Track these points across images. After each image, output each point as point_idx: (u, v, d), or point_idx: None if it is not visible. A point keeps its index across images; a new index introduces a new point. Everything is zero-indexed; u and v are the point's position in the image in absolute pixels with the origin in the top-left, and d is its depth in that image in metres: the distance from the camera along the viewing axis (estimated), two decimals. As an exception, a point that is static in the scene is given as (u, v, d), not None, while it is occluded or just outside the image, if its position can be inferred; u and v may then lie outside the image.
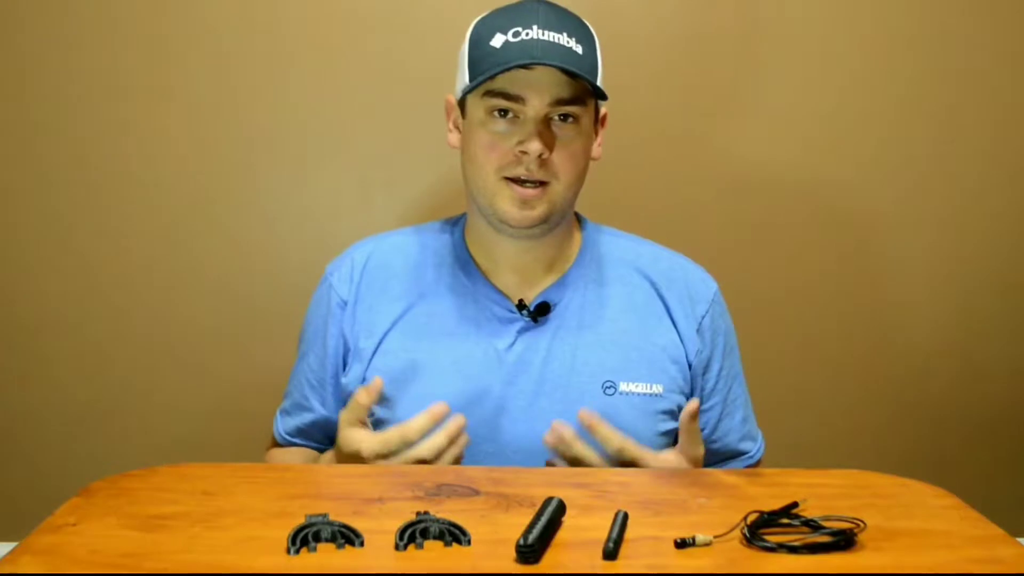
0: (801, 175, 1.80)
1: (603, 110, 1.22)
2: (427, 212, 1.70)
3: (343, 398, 1.24)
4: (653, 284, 1.24)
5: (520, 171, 1.13)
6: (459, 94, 1.18)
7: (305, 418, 1.28)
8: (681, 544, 0.90)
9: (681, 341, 1.23)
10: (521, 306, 1.20)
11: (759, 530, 0.92)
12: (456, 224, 1.28)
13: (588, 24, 1.18)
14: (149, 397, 1.79)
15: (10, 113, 1.71)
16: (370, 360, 1.21)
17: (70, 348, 1.78)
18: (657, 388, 1.20)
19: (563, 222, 1.21)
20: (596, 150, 1.22)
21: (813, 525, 0.93)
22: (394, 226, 1.40)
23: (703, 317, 1.24)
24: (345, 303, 1.23)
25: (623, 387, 1.19)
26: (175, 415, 1.80)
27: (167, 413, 1.80)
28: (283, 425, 1.31)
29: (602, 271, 1.25)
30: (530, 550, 0.86)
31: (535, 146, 1.11)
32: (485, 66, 1.12)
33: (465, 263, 1.24)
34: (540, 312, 1.20)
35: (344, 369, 1.24)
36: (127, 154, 1.73)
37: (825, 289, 1.84)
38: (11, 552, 0.88)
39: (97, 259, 1.75)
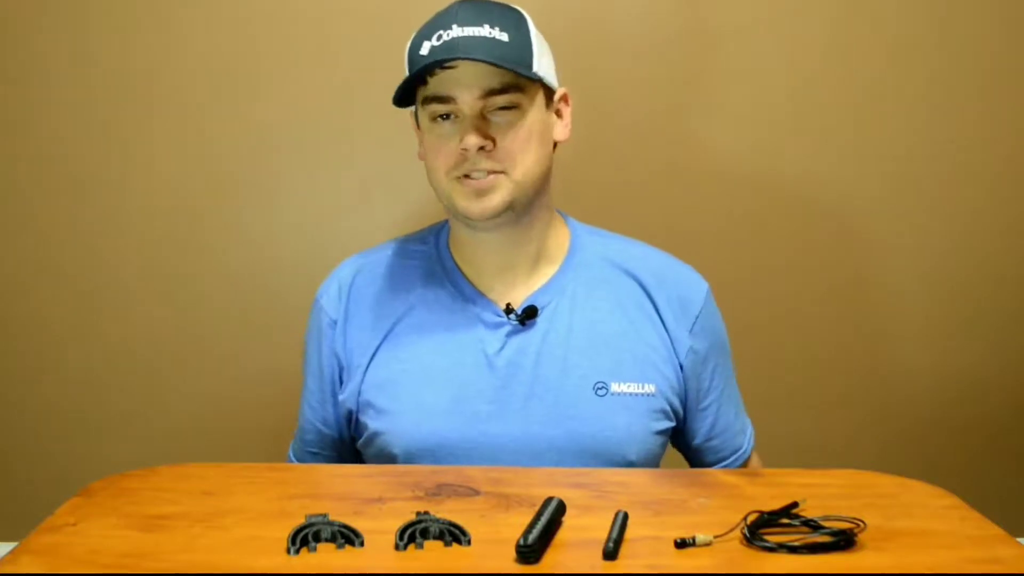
0: (800, 180, 1.79)
1: (560, 90, 1.21)
2: (427, 215, 1.68)
3: (343, 415, 1.25)
4: (642, 285, 1.24)
5: (467, 168, 1.14)
6: (413, 109, 1.20)
7: (313, 440, 1.29)
8: (681, 544, 0.90)
9: (671, 341, 1.23)
10: (508, 310, 1.20)
11: (759, 530, 0.92)
12: (439, 233, 1.28)
13: (520, 11, 1.18)
14: (149, 397, 1.79)
15: (9, 114, 1.71)
16: (363, 375, 1.21)
17: (70, 350, 1.77)
18: (649, 388, 1.20)
19: (534, 210, 1.20)
20: (562, 132, 1.22)
21: (813, 525, 0.93)
22: (394, 230, 1.39)
23: (696, 318, 1.24)
24: (335, 322, 1.24)
25: (615, 388, 1.19)
26: (175, 416, 1.80)
27: (167, 414, 1.80)
28: (294, 451, 1.32)
29: (590, 272, 1.24)
30: (530, 550, 0.86)
31: (471, 140, 1.12)
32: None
33: (450, 271, 1.24)
34: (528, 315, 1.20)
35: (340, 387, 1.25)
36: (125, 156, 1.72)
37: (824, 290, 1.83)
38: (11, 552, 0.88)
39: (97, 261, 1.75)
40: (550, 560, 0.87)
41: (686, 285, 1.26)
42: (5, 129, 1.72)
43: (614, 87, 1.73)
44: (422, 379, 1.19)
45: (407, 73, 1.17)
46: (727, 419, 1.28)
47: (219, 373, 1.79)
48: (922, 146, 1.79)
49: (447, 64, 1.11)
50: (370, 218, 1.77)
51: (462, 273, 1.23)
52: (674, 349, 1.23)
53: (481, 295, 1.22)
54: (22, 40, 1.69)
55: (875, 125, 1.78)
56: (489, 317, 1.21)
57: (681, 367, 1.23)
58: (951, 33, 1.76)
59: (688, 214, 1.78)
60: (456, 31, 1.12)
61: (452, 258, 1.24)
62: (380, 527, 0.91)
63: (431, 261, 1.25)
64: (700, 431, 1.27)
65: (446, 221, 1.28)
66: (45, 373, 1.78)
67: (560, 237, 1.26)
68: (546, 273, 1.23)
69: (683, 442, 1.29)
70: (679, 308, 1.24)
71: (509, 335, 1.20)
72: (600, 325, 1.21)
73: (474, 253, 1.22)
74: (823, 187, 1.80)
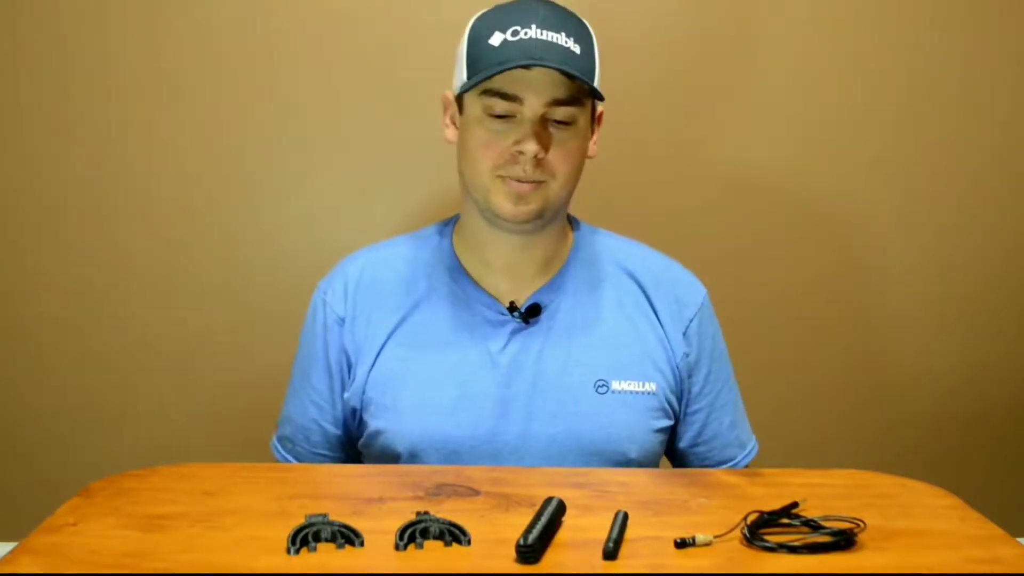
0: (798, 178, 1.79)
1: (599, 109, 1.22)
2: (427, 215, 1.70)
3: (349, 414, 1.25)
4: (640, 285, 1.25)
5: (516, 171, 1.14)
6: (457, 91, 1.18)
7: (319, 441, 1.27)
8: (681, 544, 0.90)
9: (668, 342, 1.23)
10: (512, 308, 1.21)
11: (759, 530, 0.92)
12: (443, 231, 1.28)
13: (587, 24, 1.18)
14: (149, 398, 1.79)
15: (5, 114, 1.71)
16: (368, 372, 1.21)
17: (70, 349, 1.77)
18: (650, 386, 1.21)
19: (557, 220, 1.21)
20: (592, 148, 1.22)
21: (813, 525, 0.93)
22: (394, 229, 1.39)
23: (690, 321, 1.25)
24: (343, 320, 1.24)
25: (615, 386, 1.19)
26: (176, 415, 1.80)
27: (167, 414, 1.79)
28: (292, 453, 1.29)
29: (593, 272, 1.25)
30: (530, 550, 0.86)
31: (531, 147, 1.12)
32: (483, 64, 1.12)
33: (455, 270, 1.24)
34: (531, 313, 1.20)
35: (347, 385, 1.24)
36: (125, 157, 1.72)
37: (824, 290, 1.83)
38: (11, 552, 0.88)
39: (97, 261, 1.75)
40: (550, 560, 0.87)
41: (683, 287, 1.26)
42: (9, 127, 1.71)
43: (614, 88, 1.72)
44: (426, 377, 1.19)
45: (465, 49, 1.15)
46: (717, 428, 1.28)
47: (220, 373, 1.79)
48: (919, 144, 1.80)
49: (525, 65, 1.09)
50: (370, 218, 1.77)
51: (466, 271, 1.23)
52: (672, 349, 1.23)
53: (485, 293, 1.22)
54: (27, 39, 1.69)
55: (873, 124, 1.79)
56: (493, 316, 1.21)
57: (677, 368, 1.23)
58: (948, 33, 1.76)
59: (688, 214, 1.78)
60: (535, 31, 1.11)
61: (456, 256, 1.24)
62: (380, 527, 0.91)
63: (437, 260, 1.25)
64: (686, 435, 1.27)
65: (451, 219, 1.28)
66: (45, 373, 1.78)
67: (566, 236, 1.26)
68: (550, 272, 1.24)
69: (669, 443, 1.28)
70: (675, 310, 1.24)
71: (513, 333, 1.20)
72: (601, 323, 1.22)
73: (486, 250, 1.22)
74: (823, 187, 1.80)
